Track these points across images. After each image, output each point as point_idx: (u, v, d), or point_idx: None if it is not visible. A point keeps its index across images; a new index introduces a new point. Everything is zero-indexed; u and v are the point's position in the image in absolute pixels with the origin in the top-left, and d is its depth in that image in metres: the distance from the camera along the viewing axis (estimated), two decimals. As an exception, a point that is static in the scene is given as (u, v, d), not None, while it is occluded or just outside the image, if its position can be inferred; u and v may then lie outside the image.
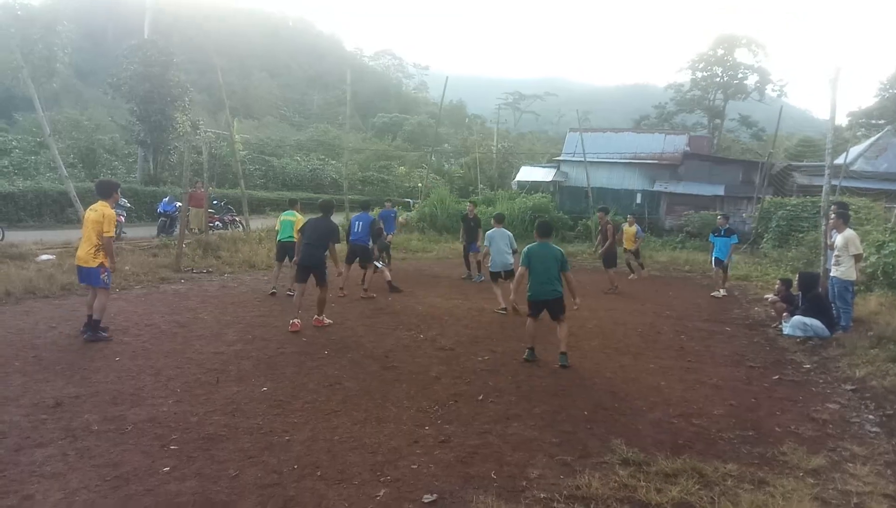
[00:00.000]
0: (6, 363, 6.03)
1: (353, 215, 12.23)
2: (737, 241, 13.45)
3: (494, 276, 10.13)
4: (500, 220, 10.81)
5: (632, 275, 15.29)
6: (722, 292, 12.85)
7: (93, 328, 7.04)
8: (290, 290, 10.08)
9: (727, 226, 13.35)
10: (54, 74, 23.18)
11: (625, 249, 15.43)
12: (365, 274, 10.98)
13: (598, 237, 14.27)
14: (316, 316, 8.37)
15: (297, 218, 10.62)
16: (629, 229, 15.47)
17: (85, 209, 14.15)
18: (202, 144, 23.44)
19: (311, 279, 8.25)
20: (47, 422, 4.65)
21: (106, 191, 7.49)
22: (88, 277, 7.15)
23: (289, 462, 4.15)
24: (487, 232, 10.40)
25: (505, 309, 9.60)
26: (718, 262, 13.17)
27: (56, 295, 9.50)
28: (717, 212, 25.09)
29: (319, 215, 8.53)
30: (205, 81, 57.98)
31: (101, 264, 7.12)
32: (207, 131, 31.30)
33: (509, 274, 9.81)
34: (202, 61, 49.33)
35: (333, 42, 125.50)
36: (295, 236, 9.86)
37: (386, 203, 16.86)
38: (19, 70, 14.76)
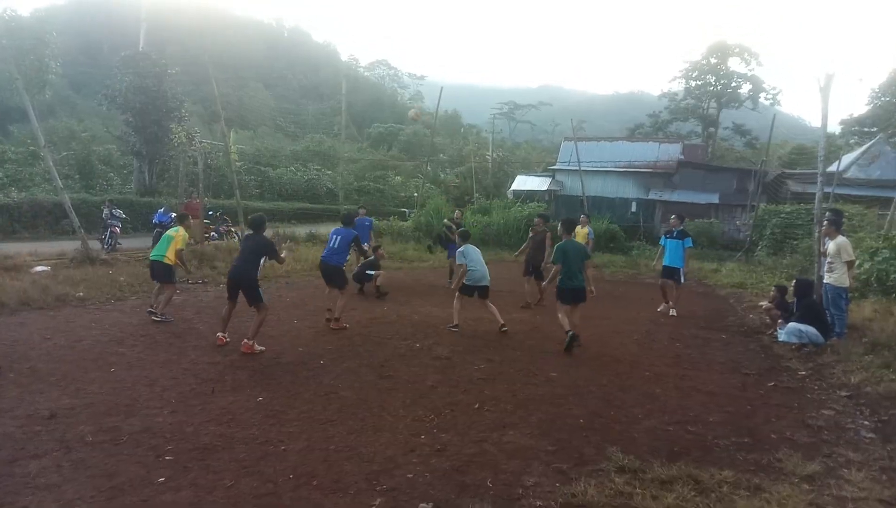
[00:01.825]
0: (1, 375, 6.01)
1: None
2: (692, 245, 11.51)
3: (468, 290, 9.20)
4: (465, 237, 9.62)
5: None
6: (672, 310, 11.12)
7: None
8: (150, 307, 9.11)
9: (680, 227, 11.50)
10: (46, 84, 23.23)
11: None
12: (338, 301, 8.98)
13: (528, 243, 12.24)
14: (246, 339, 7.33)
15: (179, 235, 9.40)
16: (581, 231, 13.56)
17: (80, 220, 14.24)
18: (197, 155, 23.43)
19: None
20: (42, 433, 4.63)
21: None
22: None
23: (284, 472, 4.14)
24: (459, 249, 9.38)
25: (456, 326, 9.08)
26: (669, 272, 11.28)
27: (51, 306, 9.46)
28: (712, 219, 25.33)
29: (250, 232, 7.92)
30: (200, 92, 58.05)
31: None
32: (203, 142, 31.29)
33: (484, 291, 9.22)
34: (197, 72, 49.31)
35: (329, 52, 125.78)
36: (169, 256, 9.09)
37: (360, 211, 14.45)
38: (13, 81, 14.75)
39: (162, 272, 9.19)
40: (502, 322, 9.03)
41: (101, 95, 29.99)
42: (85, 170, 30.99)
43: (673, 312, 11.07)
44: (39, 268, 11.93)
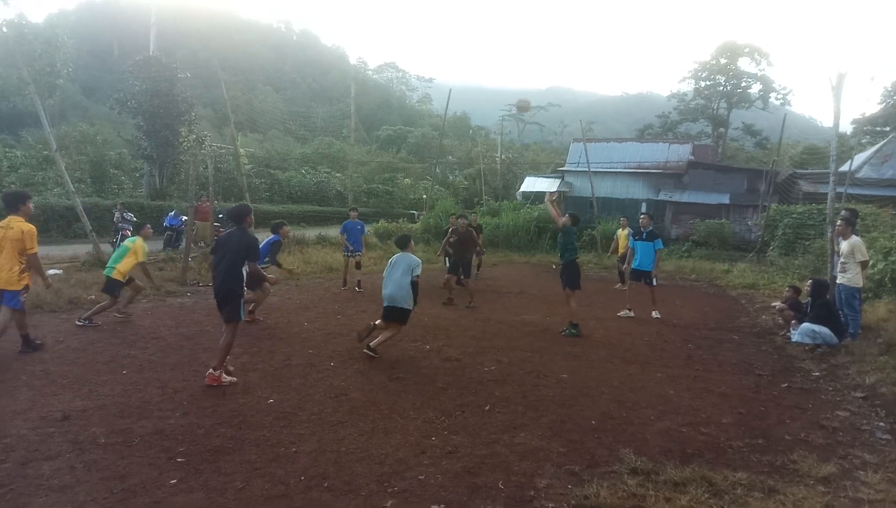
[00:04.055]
0: (14, 377, 6.05)
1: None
2: (661, 246, 10.97)
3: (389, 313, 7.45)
4: (403, 244, 7.97)
5: (619, 285, 14.42)
6: (654, 312, 10.70)
7: None
8: (116, 313, 9.00)
9: (650, 228, 10.93)
10: (56, 89, 23.39)
11: (616, 254, 14.79)
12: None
13: (450, 238, 11.92)
14: (211, 370, 6.10)
15: (137, 246, 9.09)
16: (623, 232, 14.31)
17: (91, 224, 14.33)
18: (208, 158, 23.56)
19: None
20: (55, 435, 4.65)
21: (13, 204, 6.78)
22: (2, 297, 6.72)
23: (296, 474, 4.14)
24: (392, 258, 7.77)
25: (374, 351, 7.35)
26: (638, 274, 10.87)
27: (63, 309, 9.51)
28: (723, 219, 25.18)
29: (232, 226, 6.73)
30: (210, 96, 58.40)
31: (26, 286, 6.83)
32: (213, 146, 31.45)
33: (404, 313, 7.47)
34: (207, 76, 49.63)
35: (337, 55, 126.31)
36: (119, 270, 8.76)
37: (351, 212, 13.83)
38: (25, 87, 14.88)
39: (107, 287, 8.82)
40: (374, 348, 7.36)
41: (112, 99, 30.27)
42: (97, 174, 31.24)
43: (657, 314, 10.70)
44: (52, 271, 11.97)
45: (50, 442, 4.52)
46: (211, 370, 6.06)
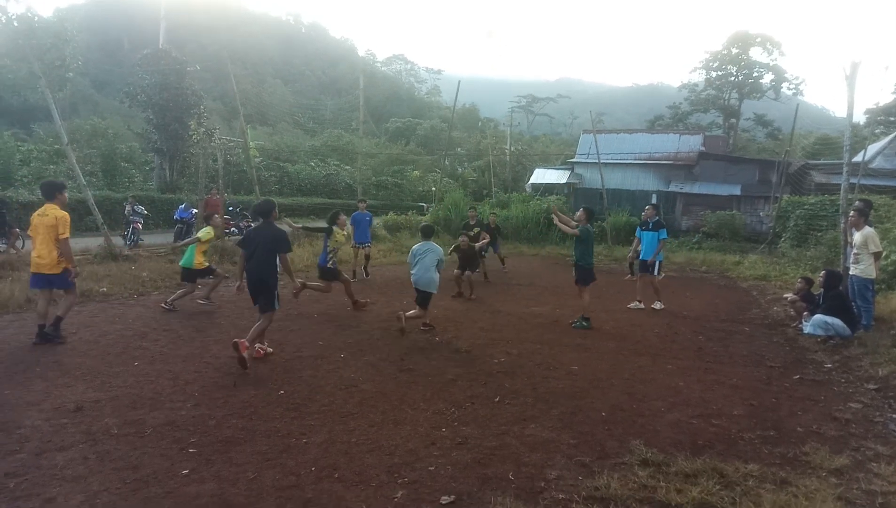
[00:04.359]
0: (28, 369, 6.11)
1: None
2: (665, 236, 10.91)
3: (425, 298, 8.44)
4: (429, 233, 8.86)
5: (629, 276, 14.44)
6: (658, 303, 10.80)
7: (55, 326, 7.16)
8: (200, 300, 9.80)
9: (656, 218, 11.01)
10: (66, 82, 23.51)
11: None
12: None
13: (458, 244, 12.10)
14: (243, 341, 6.32)
15: (204, 234, 9.80)
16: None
17: (102, 217, 14.41)
18: (217, 151, 23.64)
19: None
20: (68, 426, 4.69)
21: (50, 192, 7.23)
22: (51, 282, 7.19)
23: (306, 465, 4.15)
24: (413, 247, 8.66)
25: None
26: (645, 266, 10.87)
27: (75, 302, 9.58)
28: (733, 211, 25.01)
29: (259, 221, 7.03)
30: (219, 89, 58.64)
31: (66, 269, 7.19)
32: (222, 139, 31.56)
33: (429, 296, 8.46)
34: (216, 69, 49.83)
35: (346, 48, 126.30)
36: (197, 262, 9.57)
37: (359, 204, 14.09)
38: (37, 80, 14.95)
39: (186, 276, 9.83)
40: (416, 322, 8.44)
41: (122, 92, 30.39)
42: (108, 167, 31.42)
43: (660, 305, 10.76)
44: (64, 264, 12.08)
45: (63, 433, 4.56)
46: (244, 341, 6.32)
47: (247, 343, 6.31)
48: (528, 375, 6.46)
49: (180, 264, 10.04)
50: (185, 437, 4.56)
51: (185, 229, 18.41)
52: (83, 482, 3.83)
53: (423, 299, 8.39)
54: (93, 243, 14.67)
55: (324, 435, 4.67)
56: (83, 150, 30.54)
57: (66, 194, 7.42)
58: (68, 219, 7.10)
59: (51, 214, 7.02)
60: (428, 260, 8.33)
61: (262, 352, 6.80)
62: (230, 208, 22.26)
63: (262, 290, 6.61)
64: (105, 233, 14.04)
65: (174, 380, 5.92)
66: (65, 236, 7.03)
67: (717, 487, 3.87)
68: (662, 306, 10.76)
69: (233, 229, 20.82)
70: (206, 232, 9.84)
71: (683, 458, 4.32)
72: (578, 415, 5.26)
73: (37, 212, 7.18)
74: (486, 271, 13.77)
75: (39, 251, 7.04)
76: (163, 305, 9.36)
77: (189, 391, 5.62)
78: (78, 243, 15.22)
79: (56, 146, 27.64)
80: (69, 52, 22.75)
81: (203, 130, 28.83)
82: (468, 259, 11.84)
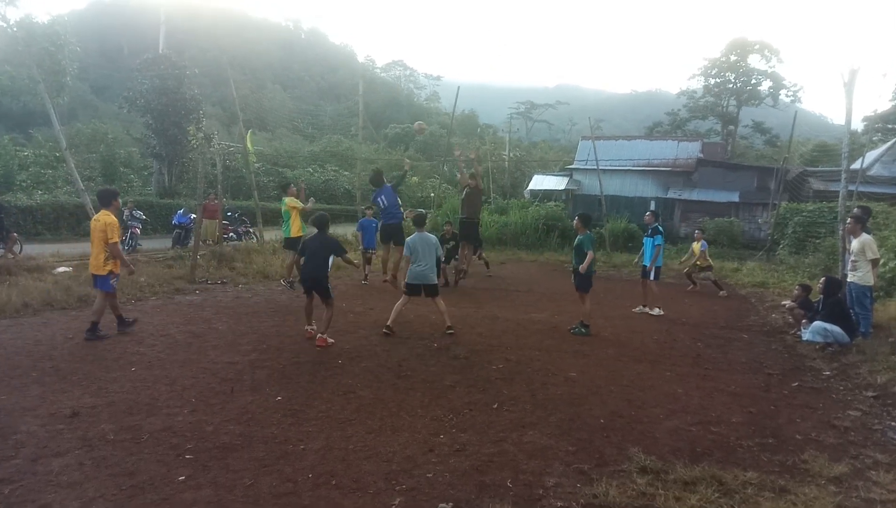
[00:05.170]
0: (24, 374, 6.09)
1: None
2: (661, 242, 11.04)
3: (414, 289, 8.61)
4: (421, 222, 9.02)
5: (691, 286, 14.64)
6: (655, 309, 10.92)
7: (91, 329, 7.64)
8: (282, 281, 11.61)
9: (654, 224, 11.15)
10: (63, 88, 23.56)
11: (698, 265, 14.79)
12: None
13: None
14: (319, 334, 7.74)
15: (290, 203, 11.61)
16: (696, 246, 14.71)
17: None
18: (216, 156, 23.64)
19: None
20: (64, 432, 4.67)
21: (106, 199, 7.93)
22: (95, 282, 7.91)
23: (304, 471, 4.14)
24: (408, 239, 8.74)
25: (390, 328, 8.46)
26: (645, 271, 11.10)
27: (73, 307, 9.58)
28: (732, 217, 25.04)
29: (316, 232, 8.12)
30: (218, 94, 58.64)
31: (111, 271, 7.77)
32: (221, 144, 31.56)
33: (435, 287, 8.67)
34: (216, 74, 49.79)
35: (346, 54, 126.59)
36: (294, 230, 11.36)
37: (367, 211, 14.36)
38: (35, 85, 14.98)
39: (288, 243, 11.79)
40: (449, 324, 8.57)
41: (121, 97, 30.43)
42: (107, 172, 31.43)
43: (659, 310, 10.81)
44: (62, 269, 12.08)
45: (59, 439, 4.54)
46: (319, 334, 7.70)
47: (322, 336, 7.64)
48: (526, 381, 6.44)
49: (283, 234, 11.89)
50: (181, 443, 4.54)
51: (184, 234, 18.40)
52: (79, 488, 3.81)
53: (430, 291, 8.59)
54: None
55: (321, 442, 4.65)
56: (82, 155, 30.58)
57: (120, 201, 8.30)
58: (117, 224, 7.77)
59: (102, 219, 7.65)
60: (428, 255, 8.48)
61: (326, 342, 7.67)
62: (229, 214, 22.24)
63: (317, 286, 7.84)
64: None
65: (171, 386, 5.90)
66: (113, 240, 7.63)
67: (716, 495, 3.86)
68: (661, 313, 10.77)
69: (231, 234, 20.79)
70: (287, 201, 11.57)
71: (682, 466, 4.30)
72: (577, 422, 5.25)
73: (93, 217, 7.89)
74: (487, 262, 15.24)
75: (92, 253, 7.75)
76: (282, 282, 11.75)
77: (186, 396, 5.60)
78: (75, 249, 15.25)
79: (56, 154, 27.63)
80: (65, 56, 22.83)
81: (202, 135, 28.83)
82: (469, 236, 12.90)
